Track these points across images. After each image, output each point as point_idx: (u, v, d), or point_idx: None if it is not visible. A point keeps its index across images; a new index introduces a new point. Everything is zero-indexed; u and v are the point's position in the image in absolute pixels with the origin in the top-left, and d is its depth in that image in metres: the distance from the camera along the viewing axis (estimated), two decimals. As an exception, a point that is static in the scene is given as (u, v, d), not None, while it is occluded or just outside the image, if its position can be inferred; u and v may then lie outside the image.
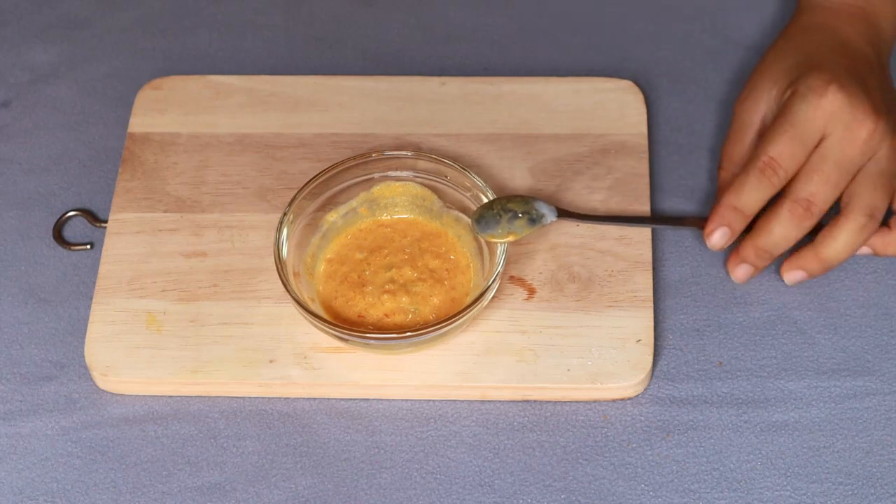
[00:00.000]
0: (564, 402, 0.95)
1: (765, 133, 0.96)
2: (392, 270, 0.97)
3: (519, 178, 1.02)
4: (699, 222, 1.00)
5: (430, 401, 0.95)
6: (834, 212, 0.95)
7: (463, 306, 0.94)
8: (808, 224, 0.94)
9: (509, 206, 0.97)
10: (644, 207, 1.01)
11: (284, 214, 0.96)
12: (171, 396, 0.96)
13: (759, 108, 0.98)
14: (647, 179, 1.02)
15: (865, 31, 1.00)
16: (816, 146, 0.94)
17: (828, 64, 0.96)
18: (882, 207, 0.94)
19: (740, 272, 0.97)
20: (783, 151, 0.93)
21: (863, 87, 0.94)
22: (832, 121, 0.93)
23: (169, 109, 1.07)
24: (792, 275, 0.96)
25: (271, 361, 0.95)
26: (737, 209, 0.95)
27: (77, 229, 1.03)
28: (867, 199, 0.94)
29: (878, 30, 1.01)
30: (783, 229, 0.94)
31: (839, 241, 0.94)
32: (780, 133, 0.93)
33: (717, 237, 0.95)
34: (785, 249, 0.95)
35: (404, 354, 0.95)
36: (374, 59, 1.11)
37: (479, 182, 0.97)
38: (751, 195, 0.94)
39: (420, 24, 1.13)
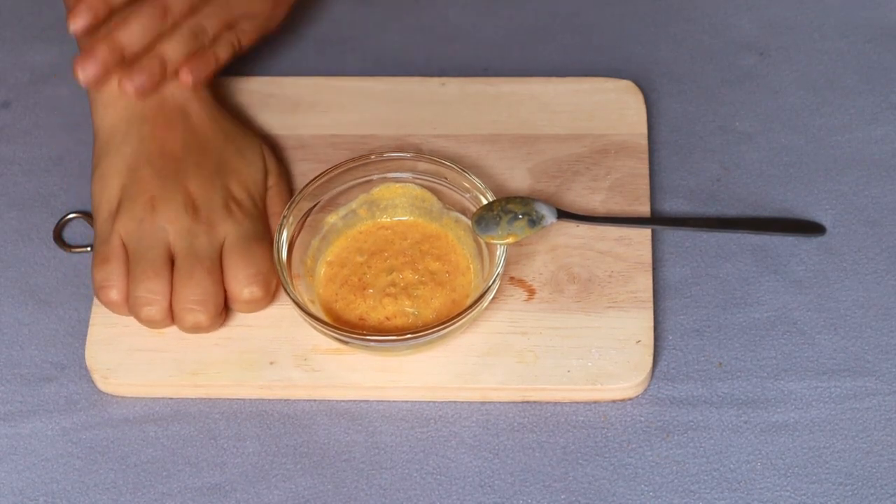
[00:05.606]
0: (564, 402, 0.95)
1: None
2: (393, 273, 0.97)
3: (519, 178, 1.02)
4: (699, 222, 1.00)
5: (430, 402, 0.95)
6: None
7: (463, 308, 0.94)
8: (163, 26, 0.97)
9: (509, 207, 0.97)
10: (644, 207, 1.01)
11: (284, 216, 0.96)
12: (171, 398, 0.96)
13: None
14: (647, 179, 1.02)
15: None
16: None
17: None
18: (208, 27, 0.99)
19: (90, 69, 0.96)
20: None
21: None
22: None
23: (169, 110, 1.07)
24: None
25: (271, 363, 0.95)
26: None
27: (77, 231, 1.03)
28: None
29: None
30: (140, 26, 0.96)
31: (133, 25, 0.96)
32: None
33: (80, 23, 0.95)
34: (139, 49, 0.96)
35: (404, 356, 0.95)
36: (374, 59, 1.11)
37: (479, 183, 0.97)
38: None
39: (420, 24, 1.13)
